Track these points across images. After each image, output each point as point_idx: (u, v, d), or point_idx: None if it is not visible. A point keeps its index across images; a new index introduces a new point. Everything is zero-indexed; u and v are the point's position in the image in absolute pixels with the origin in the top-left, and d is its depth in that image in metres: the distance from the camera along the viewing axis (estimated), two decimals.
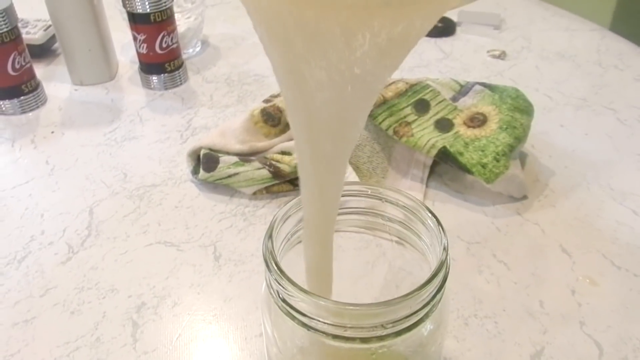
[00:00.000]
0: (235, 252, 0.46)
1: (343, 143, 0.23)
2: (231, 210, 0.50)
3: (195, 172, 0.53)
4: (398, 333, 0.23)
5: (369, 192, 0.29)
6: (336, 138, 0.22)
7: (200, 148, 0.52)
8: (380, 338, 0.22)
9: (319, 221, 0.25)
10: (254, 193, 0.51)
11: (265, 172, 0.50)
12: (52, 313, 0.41)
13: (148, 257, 0.46)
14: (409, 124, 0.53)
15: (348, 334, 0.23)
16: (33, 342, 0.39)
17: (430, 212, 0.26)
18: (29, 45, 0.64)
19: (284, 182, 0.51)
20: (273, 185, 0.51)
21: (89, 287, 0.43)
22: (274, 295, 0.25)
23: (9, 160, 0.57)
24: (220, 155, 0.51)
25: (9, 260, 0.46)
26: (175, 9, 0.65)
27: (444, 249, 0.24)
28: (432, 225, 0.25)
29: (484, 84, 0.56)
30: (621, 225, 0.48)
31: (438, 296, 0.23)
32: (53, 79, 0.70)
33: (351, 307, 0.22)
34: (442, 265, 0.23)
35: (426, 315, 0.23)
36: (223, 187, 0.52)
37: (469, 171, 0.49)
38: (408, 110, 0.54)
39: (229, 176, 0.50)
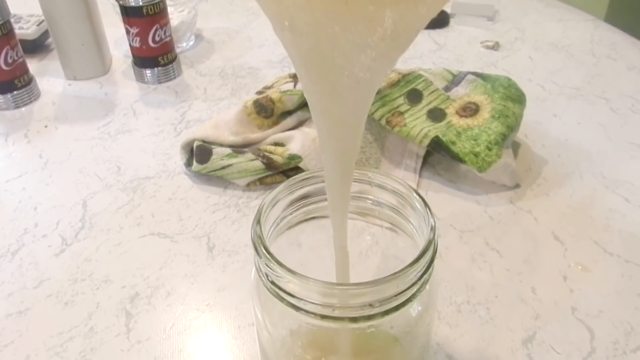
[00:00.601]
0: (228, 242, 0.46)
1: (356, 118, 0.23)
2: (225, 201, 0.50)
3: (188, 164, 0.53)
4: (386, 312, 0.23)
5: (358, 177, 0.29)
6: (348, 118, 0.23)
7: (194, 140, 0.52)
8: (368, 317, 0.23)
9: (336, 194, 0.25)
10: (248, 184, 0.51)
11: (258, 164, 0.50)
12: (46, 304, 0.41)
13: (142, 248, 0.46)
14: (401, 113, 0.53)
15: (336, 313, 0.23)
16: (27, 332, 0.40)
17: (417, 193, 0.26)
18: (21, 41, 0.64)
19: (277, 173, 0.51)
20: (266, 176, 0.51)
21: (83, 278, 0.43)
22: (263, 279, 0.25)
23: (3, 154, 0.57)
24: (213, 147, 0.51)
25: (3, 252, 0.46)
26: (168, 2, 0.65)
27: (432, 229, 0.24)
28: (419, 207, 0.26)
29: (476, 74, 0.57)
30: (613, 213, 0.48)
31: (426, 276, 0.23)
32: (46, 73, 0.70)
33: (339, 287, 0.22)
34: (430, 245, 0.23)
35: (414, 295, 0.23)
36: (216, 178, 0.52)
37: (461, 160, 0.49)
38: (401, 100, 0.54)
39: (222, 168, 0.50)
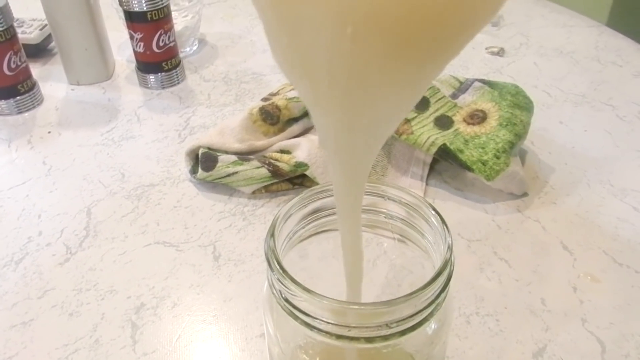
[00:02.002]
0: (234, 251, 0.46)
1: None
2: (230, 209, 0.50)
3: (193, 171, 0.52)
4: (403, 332, 0.22)
5: (371, 190, 0.28)
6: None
7: (199, 147, 0.52)
8: (385, 338, 0.22)
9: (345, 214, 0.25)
10: (253, 192, 0.51)
11: (264, 171, 0.49)
12: (51, 315, 0.41)
13: (147, 257, 0.46)
14: (408, 121, 0.52)
15: (352, 333, 0.22)
16: (31, 344, 0.39)
17: (434, 209, 0.26)
18: (24, 45, 0.64)
19: (283, 181, 0.51)
20: (272, 184, 0.51)
21: (88, 288, 0.43)
22: (277, 295, 0.24)
23: (6, 160, 0.57)
24: (218, 154, 0.51)
25: (6, 262, 0.45)
26: (172, 7, 0.64)
27: (449, 247, 0.24)
28: (436, 223, 0.25)
29: (483, 81, 0.56)
30: (622, 222, 0.48)
31: (442, 295, 0.23)
32: (49, 78, 0.69)
33: (355, 307, 0.22)
34: (447, 264, 0.23)
35: (431, 314, 0.23)
36: (222, 186, 0.52)
37: (469, 168, 0.49)
38: None
39: (228, 175, 0.50)
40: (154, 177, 0.54)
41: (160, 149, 0.58)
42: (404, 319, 0.22)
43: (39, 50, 0.73)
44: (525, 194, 0.50)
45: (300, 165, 0.49)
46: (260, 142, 0.53)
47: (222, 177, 0.50)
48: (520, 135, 0.50)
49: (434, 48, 0.18)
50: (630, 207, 0.49)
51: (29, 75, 0.64)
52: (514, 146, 0.49)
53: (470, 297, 0.42)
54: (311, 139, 0.52)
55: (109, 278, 0.44)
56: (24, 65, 0.62)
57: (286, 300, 0.24)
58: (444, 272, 0.23)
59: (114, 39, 0.71)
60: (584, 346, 0.38)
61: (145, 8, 0.61)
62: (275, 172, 0.49)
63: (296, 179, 0.51)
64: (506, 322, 0.40)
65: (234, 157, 0.51)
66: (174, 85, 0.67)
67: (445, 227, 0.25)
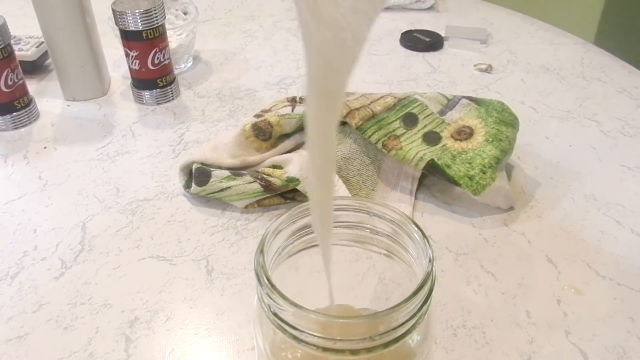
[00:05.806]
0: (227, 265, 0.47)
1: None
2: (223, 224, 0.51)
3: (187, 186, 0.53)
4: (386, 344, 0.23)
5: (357, 207, 0.29)
6: None
7: (192, 162, 0.53)
8: (369, 350, 0.23)
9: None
10: (246, 207, 0.52)
11: (256, 186, 0.50)
12: (45, 329, 0.42)
13: (141, 271, 0.46)
14: (397, 137, 0.54)
15: (337, 346, 0.23)
16: (26, 358, 0.40)
17: (416, 225, 0.27)
18: (21, 62, 0.65)
19: (275, 195, 0.52)
20: (264, 198, 0.52)
21: (82, 302, 0.44)
22: (265, 309, 0.25)
23: (2, 175, 0.58)
24: (212, 169, 0.52)
25: (2, 276, 0.46)
26: (167, 25, 0.66)
27: (430, 260, 0.25)
28: (418, 238, 0.26)
29: (470, 98, 0.58)
30: (605, 235, 0.49)
31: (424, 308, 0.24)
32: (45, 94, 0.71)
33: (340, 320, 0.23)
34: (428, 277, 0.24)
35: (413, 327, 0.24)
36: (215, 201, 0.53)
37: (456, 183, 0.50)
38: (397, 124, 0.55)
39: (221, 190, 0.51)
40: (148, 192, 0.55)
41: (155, 164, 0.59)
42: (387, 332, 0.23)
43: (36, 67, 0.74)
44: (511, 208, 0.52)
45: (291, 180, 0.50)
46: (253, 158, 0.54)
47: (216, 192, 0.51)
48: (506, 151, 0.52)
49: None
50: (613, 221, 0.50)
51: (25, 92, 0.65)
52: (500, 161, 0.51)
53: (457, 310, 0.43)
54: (303, 155, 0.53)
55: (104, 292, 0.45)
56: (20, 82, 0.63)
57: (274, 314, 0.25)
58: (426, 285, 0.24)
59: (109, 56, 0.72)
60: (568, 358, 0.39)
61: (140, 27, 0.62)
62: (268, 187, 0.50)
63: (288, 194, 0.52)
64: (492, 334, 0.41)
65: (227, 172, 0.52)
66: (169, 101, 0.69)
67: (426, 240, 0.26)
